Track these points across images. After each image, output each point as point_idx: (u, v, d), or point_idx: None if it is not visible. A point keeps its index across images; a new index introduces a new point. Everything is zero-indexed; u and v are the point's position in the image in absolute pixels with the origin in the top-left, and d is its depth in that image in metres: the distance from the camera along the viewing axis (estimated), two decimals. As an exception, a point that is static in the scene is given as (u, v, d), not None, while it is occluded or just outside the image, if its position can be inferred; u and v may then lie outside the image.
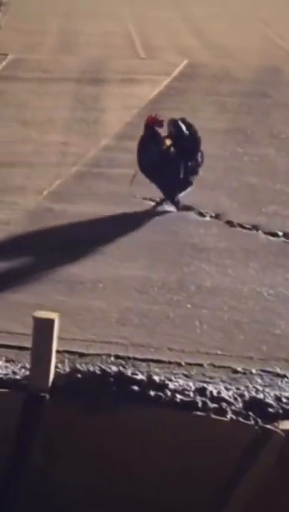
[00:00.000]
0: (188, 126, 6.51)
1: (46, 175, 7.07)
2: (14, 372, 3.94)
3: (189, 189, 6.44)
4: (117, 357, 4.26)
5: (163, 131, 6.41)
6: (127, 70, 11.40)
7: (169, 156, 6.34)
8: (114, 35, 14.44)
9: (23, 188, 6.73)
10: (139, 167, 6.40)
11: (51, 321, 3.72)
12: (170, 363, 4.26)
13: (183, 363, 4.25)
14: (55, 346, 3.81)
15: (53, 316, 3.78)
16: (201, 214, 6.29)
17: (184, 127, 6.44)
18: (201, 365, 4.25)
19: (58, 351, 3.96)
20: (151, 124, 6.37)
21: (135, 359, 4.26)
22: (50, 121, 8.56)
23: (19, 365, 4.06)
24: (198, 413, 3.82)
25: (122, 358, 4.26)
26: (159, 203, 6.41)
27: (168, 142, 6.38)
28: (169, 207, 6.38)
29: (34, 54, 12.46)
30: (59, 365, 3.98)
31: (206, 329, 4.62)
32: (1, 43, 13.37)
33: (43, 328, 3.70)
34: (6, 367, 4.01)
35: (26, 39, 13.75)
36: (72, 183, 6.92)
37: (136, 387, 3.87)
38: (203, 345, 4.44)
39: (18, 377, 3.89)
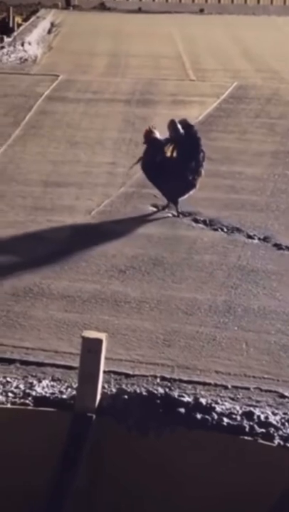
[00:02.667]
0: (188, 127, 6.62)
1: (94, 195, 7.12)
2: (61, 392, 3.94)
3: (192, 191, 6.60)
4: (163, 378, 4.24)
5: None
6: (176, 91, 11.45)
7: (169, 159, 6.51)
8: (165, 56, 14.53)
9: (72, 208, 6.78)
10: (143, 171, 6.67)
11: (99, 341, 3.72)
12: (216, 385, 4.22)
13: (229, 386, 4.21)
14: (102, 366, 3.80)
15: (101, 336, 3.78)
16: (250, 236, 6.26)
17: (181, 129, 6.57)
18: (247, 388, 4.21)
19: (104, 371, 3.95)
20: (148, 138, 6.64)
21: (181, 381, 4.23)
22: (99, 142, 8.62)
23: (66, 384, 4.06)
24: (245, 437, 3.77)
25: (168, 379, 4.24)
26: (163, 209, 6.64)
27: (169, 148, 6.55)
28: (170, 210, 6.58)
29: (84, 75, 12.59)
30: (105, 386, 3.97)
31: (252, 352, 4.58)
32: (52, 64, 13.56)
33: (91, 348, 3.70)
34: (53, 386, 4.02)
35: (77, 60, 13.91)
36: (120, 203, 6.95)
37: (182, 410, 3.84)
38: (250, 369, 4.40)
39: (64, 396, 3.89)
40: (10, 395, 3.91)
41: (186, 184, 6.57)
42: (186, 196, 6.61)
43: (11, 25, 16.61)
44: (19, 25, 17.11)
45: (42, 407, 3.85)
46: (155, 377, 4.26)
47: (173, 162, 6.55)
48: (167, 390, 4.06)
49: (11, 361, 4.37)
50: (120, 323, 4.83)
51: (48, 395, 3.92)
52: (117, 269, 5.58)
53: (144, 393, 3.95)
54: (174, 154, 6.55)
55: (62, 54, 14.62)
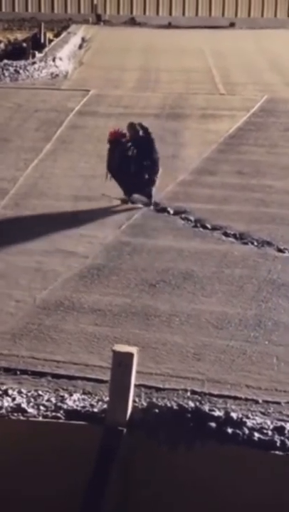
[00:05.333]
0: (144, 128, 7.22)
1: (124, 209, 7.14)
2: (92, 405, 3.96)
3: (154, 187, 7.21)
4: (193, 392, 4.24)
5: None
6: (206, 105, 11.47)
7: (128, 159, 7.10)
8: (195, 71, 14.57)
9: (102, 222, 6.81)
10: (108, 170, 7.19)
11: (130, 355, 3.73)
12: (247, 400, 4.21)
13: (260, 401, 4.20)
14: (133, 380, 3.81)
15: (132, 350, 3.79)
16: (280, 250, 6.25)
17: (139, 130, 7.19)
18: (278, 403, 4.19)
19: (134, 385, 3.96)
20: (114, 138, 7.19)
21: (212, 395, 4.23)
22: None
23: (96, 397, 4.07)
24: (277, 452, 3.75)
25: (199, 393, 4.23)
26: (124, 202, 7.20)
27: (130, 148, 7.15)
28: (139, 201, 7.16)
29: (115, 90, 12.67)
30: (136, 400, 3.98)
31: (283, 367, 4.56)
32: (83, 79, 13.66)
33: (122, 362, 3.71)
34: (84, 399, 4.03)
35: (107, 75, 14.01)
36: (151, 217, 6.97)
37: (213, 424, 3.84)
38: (281, 383, 4.38)
39: (95, 410, 3.90)
40: (41, 408, 3.94)
41: (143, 181, 7.17)
42: (152, 191, 7.20)
43: (42, 40, 16.75)
44: (50, 40, 17.27)
45: (73, 420, 3.86)
46: (185, 391, 4.25)
47: (131, 161, 7.13)
48: (198, 404, 4.05)
49: (42, 374, 4.39)
50: (150, 337, 4.84)
51: (79, 408, 3.93)
52: (147, 283, 5.60)
53: (175, 407, 3.95)
54: (133, 154, 7.16)
55: (93, 69, 14.73)
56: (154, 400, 4.07)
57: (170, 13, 23.98)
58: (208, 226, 6.70)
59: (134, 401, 3.91)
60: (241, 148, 9.11)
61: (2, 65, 13.58)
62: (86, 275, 5.72)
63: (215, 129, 10.18)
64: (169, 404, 3.98)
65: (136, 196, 7.26)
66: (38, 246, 6.22)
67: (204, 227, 6.70)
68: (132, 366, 3.73)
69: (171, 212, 7.05)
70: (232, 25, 22.03)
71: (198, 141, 9.60)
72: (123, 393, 3.74)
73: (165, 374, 4.43)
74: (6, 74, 13.36)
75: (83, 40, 18.70)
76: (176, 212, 7.02)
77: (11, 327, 4.92)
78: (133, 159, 7.12)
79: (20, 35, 19.84)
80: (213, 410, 3.96)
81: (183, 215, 6.94)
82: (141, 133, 7.19)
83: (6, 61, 13.96)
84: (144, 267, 5.87)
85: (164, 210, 7.10)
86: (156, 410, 3.87)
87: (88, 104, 11.42)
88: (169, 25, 22.78)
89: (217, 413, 3.93)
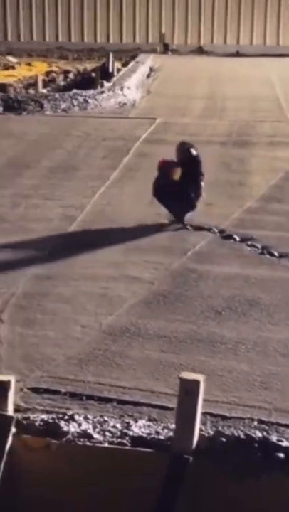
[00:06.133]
0: (192, 150, 7.33)
1: (190, 236, 7.14)
2: (157, 432, 3.93)
3: (194, 211, 7.35)
4: (260, 421, 4.17)
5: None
6: (273, 133, 11.44)
7: (174, 182, 7.27)
8: (262, 99, 14.56)
9: (168, 248, 6.81)
10: (153, 194, 7.38)
11: (197, 383, 3.70)
12: (315, 430, 4.12)
13: None
14: (200, 408, 3.77)
15: (199, 377, 3.75)
16: None
17: (189, 153, 7.32)
18: None
19: (201, 413, 3.92)
20: (163, 166, 7.35)
21: (279, 425, 4.15)
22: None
23: (162, 424, 4.04)
24: None
25: (266, 423, 4.16)
26: (169, 224, 7.32)
27: (176, 171, 7.30)
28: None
29: (182, 118, 12.74)
30: (202, 428, 3.94)
31: None
32: (150, 107, 13.78)
33: (189, 390, 3.67)
34: (150, 426, 4.01)
35: (174, 103, 14.10)
36: (217, 243, 6.94)
37: (281, 455, 3.76)
38: None
39: (161, 437, 3.87)
40: (107, 434, 3.92)
41: (189, 204, 7.32)
42: (190, 215, 7.34)
43: (110, 70, 16.99)
44: (119, 70, 17.50)
45: (139, 447, 3.84)
46: (252, 420, 4.19)
47: (177, 184, 7.29)
48: (265, 433, 3.98)
49: (108, 400, 4.39)
50: (216, 365, 4.80)
51: (144, 435, 3.91)
52: (213, 310, 5.56)
53: (242, 436, 3.89)
54: (179, 177, 7.31)
55: (160, 98, 14.85)
56: (221, 428, 4.02)
57: (238, 42, 24.07)
58: (275, 253, 6.63)
59: (200, 429, 3.87)
60: (309, 175, 9.04)
61: (71, 95, 13.81)
62: (152, 301, 5.71)
63: (283, 156, 10.12)
64: (235, 434, 3.92)
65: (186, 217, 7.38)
66: (104, 272, 6.25)
67: (271, 254, 6.64)
68: (198, 394, 3.70)
69: (238, 239, 7.01)
70: (300, 53, 22.01)
71: (266, 169, 9.56)
72: (189, 421, 3.71)
73: (231, 402, 4.38)
74: (75, 103, 13.57)
75: (151, 69, 18.90)
76: (243, 239, 6.97)
77: (77, 352, 4.94)
78: (178, 182, 7.28)
79: (89, 65, 20.18)
80: (280, 440, 3.88)
81: (249, 242, 6.90)
82: (191, 153, 7.32)
83: (75, 90, 14.19)
84: (210, 294, 5.84)
85: (230, 237, 7.07)
86: (223, 439, 3.82)
87: (155, 133, 11.51)
88: (237, 54, 22.86)
89: (285, 443, 3.85)
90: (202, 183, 7.41)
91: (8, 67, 20.06)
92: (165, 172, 7.33)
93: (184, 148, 7.39)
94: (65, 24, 24.03)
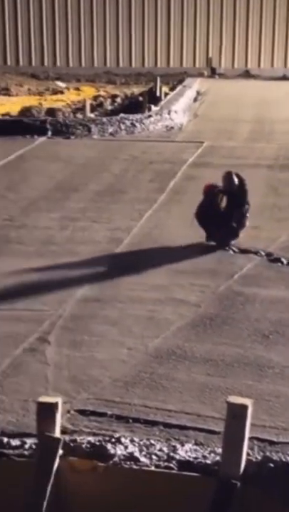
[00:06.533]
0: (240, 179, 7.37)
1: (237, 259, 7.12)
2: (204, 457, 3.90)
3: (237, 237, 7.36)
4: (308, 447, 4.11)
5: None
6: None
7: (219, 210, 7.34)
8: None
9: (215, 271, 6.80)
10: (197, 220, 7.44)
11: (245, 408, 3.67)
12: None
13: None
14: (247, 433, 3.74)
15: (247, 402, 3.72)
16: None
17: (235, 181, 7.35)
18: None
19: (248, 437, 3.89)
20: (208, 190, 7.41)
21: None
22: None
23: (209, 449, 4.01)
24: None
25: (314, 449, 4.11)
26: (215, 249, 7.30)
27: (222, 198, 7.38)
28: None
29: (228, 141, 12.74)
30: (250, 452, 3.90)
31: None
32: (197, 131, 13.82)
33: (236, 414, 3.65)
34: (196, 450, 3.98)
35: (221, 127, 14.12)
36: (263, 267, 6.91)
37: None
38: None
39: (208, 461, 3.84)
40: (154, 457, 3.91)
41: (230, 232, 7.36)
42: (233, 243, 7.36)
43: (158, 94, 17.09)
44: (166, 94, 17.60)
45: (185, 471, 3.81)
46: (300, 445, 4.14)
47: (221, 211, 7.37)
48: (313, 459, 3.93)
49: (154, 423, 4.38)
50: (264, 389, 4.76)
51: (191, 459, 3.89)
52: (260, 334, 5.53)
53: (290, 462, 3.85)
54: (225, 204, 7.39)
55: (207, 121, 14.89)
56: (268, 453, 3.98)
57: (285, 65, 24.05)
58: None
59: (247, 454, 3.83)
60: None
61: (119, 119, 13.92)
62: (198, 324, 5.70)
63: None
64: (283, 459, 3.88)
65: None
66: (150, 294, 6.26)
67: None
68: (246, 418, 3.67)
69: (285, 262, 6.97)
70: None
71: (313, 192, 9.50)
72: (237, 446, 3.67)
73: (279, 427, 4.33)
74: (123, 127, 13.68)
75: (198, 93, 18.97)
76: (289, 260, 6.95)
77: (124, 375, 4.94)
78: (222, 210, 7.33)
79: (136, 90, 20.33)
80: None
81: (298, 266, 6.85)
82: (236, 182, 7.35)
83: (122, 115, 14.31)
84: (257, 318, 5.80)
85: (277, 260, 7.03)
86: (271, 464, 3.78)
87: (202, 156, 11.53)
88: (284, 77, 22.82)
89: None
90: (247, 214, 7.42)
91: (56, 92, 20.33)
92: (210, 197, 7.37)
93: (230, 177, 7.40)
94: (114, 49, 24.29)
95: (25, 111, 15.18)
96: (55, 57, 24.49)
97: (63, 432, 4.06)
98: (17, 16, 24.12)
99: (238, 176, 7.43)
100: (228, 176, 7.41)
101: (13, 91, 19.85)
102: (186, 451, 3.96)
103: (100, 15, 23.99)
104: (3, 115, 15.03)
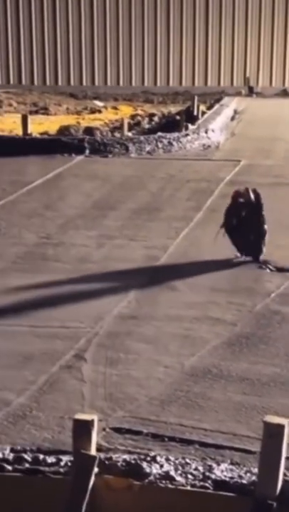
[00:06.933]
0: (256, 194, 7.52)
1: (274, 277, 7.09)
2: (240, 476, 3.87)
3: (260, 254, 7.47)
4: None
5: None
6: None
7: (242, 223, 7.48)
8: None
9: (251, 290, 6.77)
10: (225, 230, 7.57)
11: (282, 427, 3.63)
12: None
13: None
14: (284, 452, 3.70)
15: (284, 421, 3.69)
16: None
17: (250, 198, 7.51)
18: None
19: (286, 458, 3.85)
20: (235, 195, 7.58)
21: None
22: (279, 224, 8.62)
23: (244, 468, 3.98)
24: None
25: None
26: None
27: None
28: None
29: (266, 160, 12.72)
30: (287, 473, 3.86)
31: None
32: (234, 149, 13.82)
33: (273, 433, 3.62)
34: (232, 470, 3.95)
35: (259, 145, 14.11)
36: (302, 286, 6.87)
37: None
38: None
39: (244, 481, 3.81)
40: (189, 476, 3.89)
41: (255, 247, 7.49)
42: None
43: (195, 113, 17.14)
44: (203, 113, 17.64)
45: (221, 491, 3.78)
46: None
47: (244, 226, 7.53)
48: None
49: (189, 442, 4.36)
50: (301, 409, 4.71)
51: (227, 478, 3.86)
52: (297, 353, 5.49)
53: None
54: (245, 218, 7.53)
55: (244, 140, 14.89)
56: (305, 474, 3.93)
57: None
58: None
59: (284, 474, 3.79)
60: None
61: (156, 137, 13.98)
62: (234, 343, 5.67)
63: None
64: None
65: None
66: (187, 312, 6.25)
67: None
68: (283, 438, 3.63)
69: None
70: None
71: None
72: (273, 465, 3.64)
73: (316, 448, 4.28)
74: (160, 146, 13.73)
75: (235, 111, 18.99)
76: None
77: (159, 393, 4.94)
78: (240, 224, 7.49)
79: (173, 109, 20.42)
80: None
81: None
82: (252, 199, 7.50)
83: (160, 133, 14.37)
84: (295, 337, 5.76)
85: (316, 279, 6.99)
86: (308, 485, 3.73)
87: (239, 174, 11.52)
88: None
89: None
90: (265, 226, 7.54)
91: (94, 111, 20.50)
92: (236, 201, 7.53)
93: (245, 193, 7.54)
94: (152, 69, 24.46)
95: (64, 130, 15.32)
96: (94, 76, 24.72)
97: (98, 449, 4.05)
98: (56, 37, 24.43)
99: (254, 191, 7.55)
100: (243, 193, 7.56)
101: (51, 110, 20.05)
102: (221, 471, 3.93)
103: (138, 35, 24.20)
104: (42, 134, 15.18)
